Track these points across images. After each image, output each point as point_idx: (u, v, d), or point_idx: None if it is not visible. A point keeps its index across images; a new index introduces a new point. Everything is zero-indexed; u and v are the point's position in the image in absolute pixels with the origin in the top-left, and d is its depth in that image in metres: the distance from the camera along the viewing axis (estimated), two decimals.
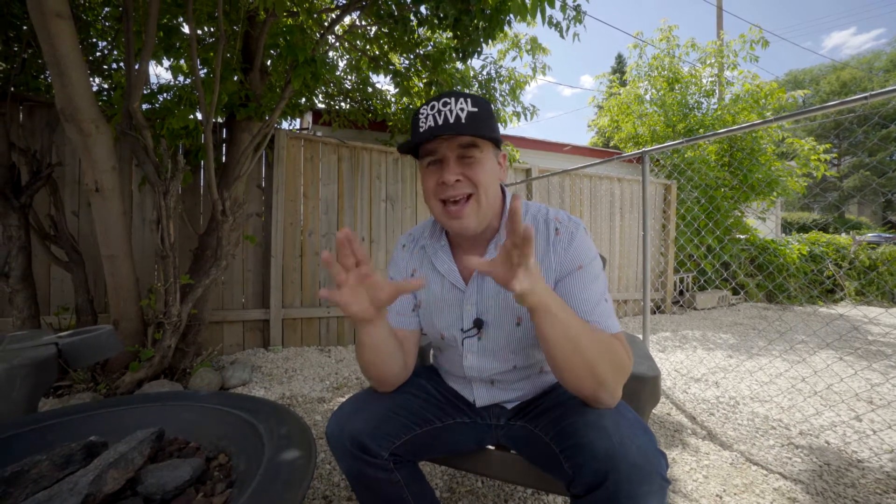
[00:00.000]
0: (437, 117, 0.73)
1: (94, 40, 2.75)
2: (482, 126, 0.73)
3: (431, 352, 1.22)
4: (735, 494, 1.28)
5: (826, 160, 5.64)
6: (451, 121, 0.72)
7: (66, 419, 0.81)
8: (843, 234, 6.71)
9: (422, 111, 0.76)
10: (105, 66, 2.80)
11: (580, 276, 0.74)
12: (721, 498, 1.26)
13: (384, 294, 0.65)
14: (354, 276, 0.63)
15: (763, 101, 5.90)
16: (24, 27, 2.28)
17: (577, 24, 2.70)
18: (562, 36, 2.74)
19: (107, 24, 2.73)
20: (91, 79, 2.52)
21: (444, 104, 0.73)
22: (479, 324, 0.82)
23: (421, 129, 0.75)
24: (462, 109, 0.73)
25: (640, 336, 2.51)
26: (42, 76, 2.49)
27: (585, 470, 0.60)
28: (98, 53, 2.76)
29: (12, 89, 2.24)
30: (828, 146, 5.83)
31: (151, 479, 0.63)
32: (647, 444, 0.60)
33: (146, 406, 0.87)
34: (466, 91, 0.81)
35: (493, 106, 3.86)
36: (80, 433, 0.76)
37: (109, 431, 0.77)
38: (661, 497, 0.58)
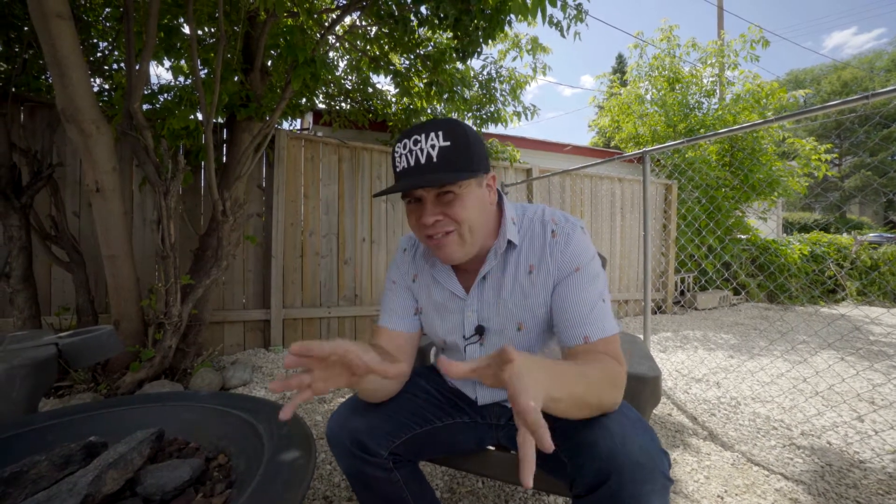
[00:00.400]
0: (409, 158, 0.70)
1: (95, 41, 2.75)
2: (456, 162, 0.69)
3: (433, 351, 1.22)
4: (736, 495, 1.27)
5: (827, 160, 5.63)
6: (423, 161, 0.69)
7: (66, 419, 0.81)
8: (845, 235, 6.70)
9: (396, 150, 0.73)
10: (106, 67, 2.80)
11: (577, 279, 0.74)
12: (722, 499, 1.26)
13: (360, 371, 0.58)
14: (322, 371, 0.57)
15: (764, 100, 5.89)
16: (26, 28, 2.29)
17: (578, 22, 2.71)
18: (563, 35, 2.74)
19: (108, 24, 2.73)
20: (92, 79, 2.52)
21: (416, 142, 0.70)
22: (480, 331, 0.82)
23: (397, 170, 0.73)
24: (433, 146, 0.69)
25: (641, 336, 2.51)
26: (43, 77, 2.49)
27: (587, 469, 0.60)
28: (99, 54, 2.77)
29: (13, 90, 2.24)
30: (829, 146, 5.82)
31: (151, 480, 0.63)
32: (649, 442, 0.60)
33: (146, 406, 0.87)
34: (441, 118, 0.73)
35: (493, 106, 3.86)
36: (80, 433, 0.76)
37: (109, 432, 0.77)
38: (664, 496, 0.57)
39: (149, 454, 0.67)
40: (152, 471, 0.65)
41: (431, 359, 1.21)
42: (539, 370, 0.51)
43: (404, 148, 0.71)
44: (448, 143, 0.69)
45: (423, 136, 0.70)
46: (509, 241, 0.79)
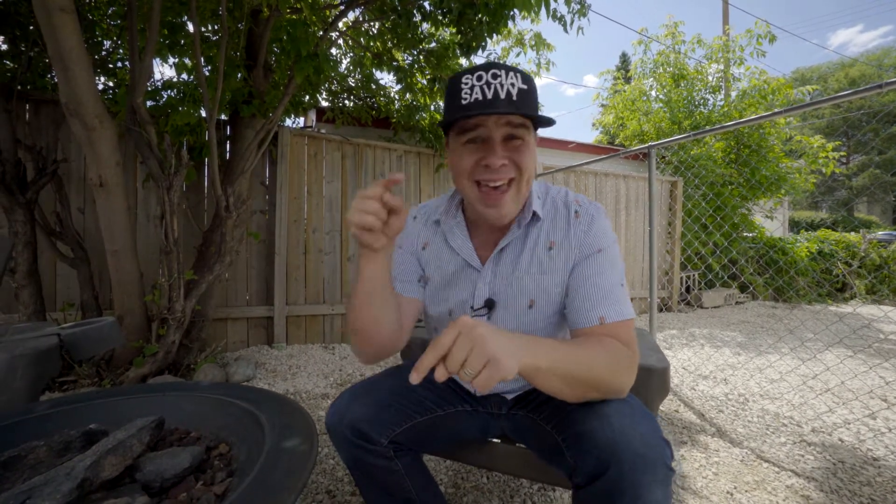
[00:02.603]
0: (486, 90, 0.64)
1: (100, 39, 2.76)
2: (533, 107, 0.68)
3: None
4: (746, 491, 1.25)
5: (835, 158, 5.56)
6: (503, 97, 0.64)
7: (67, 408, 0.80)
8: (853, 234, 6.60)
9: (465, 80, 0.66)
10: (111, 65, 2.81)
11: (599, 260, 0.73)
12: (732, 495, 1.23)
13: (398, 219, 0.61)
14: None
15: (770, 96, 5.83)
16: (31, 27, 2.30)
17: (582, 17, 2.68)
18: (566, 30, 2.71)
19: (112, 22, 2.74)
20: (96, 77, 2.53)
21: (494, 76, 0.65)
22: (490, 304, 0.79)
23: (464, 102, 0.66)
24: (513, 85, 0.65)
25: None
26: (48, 75, 2.51)
27: (587, 459, 0.58)
28: (103, 52, 2.78)
29: (19, 87, 2.25)
30: (837, 144, 5.75)
31: (150, 467, 0.62)
32: (650, 432, 0.58)
33: (147, 396, 0.86)
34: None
35: None
36: (80, 422, 0.75)
37: (110, 421, 0.76)
38: (666, 486, 0.56)
39: (149, 442, 0.66)
40: (152, 458, 0.64)
41: None
42: (503, 336, 0.52)
43: (478, 80, 0.65)
44: (526, 87, 0.67)
45: (504, 72, 0.65)
46: (534, 213, 0.78)
